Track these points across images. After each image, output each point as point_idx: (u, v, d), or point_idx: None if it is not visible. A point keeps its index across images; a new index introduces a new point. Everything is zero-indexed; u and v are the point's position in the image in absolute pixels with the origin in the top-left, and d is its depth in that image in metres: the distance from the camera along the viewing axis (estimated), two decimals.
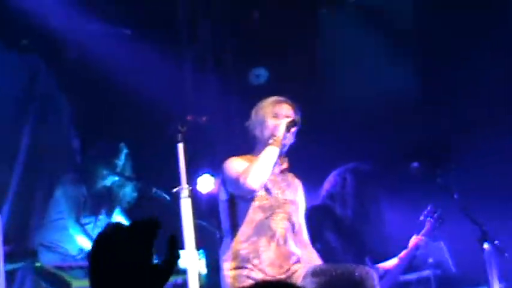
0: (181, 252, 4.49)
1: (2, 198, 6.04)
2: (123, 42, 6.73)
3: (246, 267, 4.22)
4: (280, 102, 4.42)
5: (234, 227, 4.29)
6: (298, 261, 4.33)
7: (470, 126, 6.40)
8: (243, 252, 4.24)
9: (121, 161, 6.04)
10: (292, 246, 4.32)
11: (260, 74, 7.01)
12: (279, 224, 4.29)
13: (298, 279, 4.23)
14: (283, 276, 4.22)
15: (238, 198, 4.30)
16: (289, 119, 4.32)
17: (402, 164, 5.29)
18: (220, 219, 4.42)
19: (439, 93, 6.73)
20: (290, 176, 4.48)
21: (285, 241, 4.29)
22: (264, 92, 4.68)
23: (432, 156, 5.73)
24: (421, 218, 5.50)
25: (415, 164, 5.13)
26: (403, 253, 5.45)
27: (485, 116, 6.37)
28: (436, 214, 5.47)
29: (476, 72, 6.39)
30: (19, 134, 6.47)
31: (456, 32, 6.54)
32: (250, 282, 4.11)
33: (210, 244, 6.05)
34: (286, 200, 4.36)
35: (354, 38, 7.06)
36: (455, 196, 5.01)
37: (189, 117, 4.94)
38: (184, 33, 7.04)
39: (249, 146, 4.45)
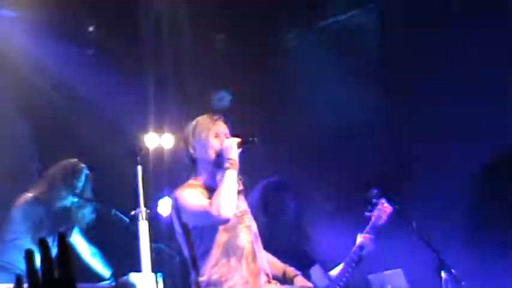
0: (138, 275, 4.46)
1: None
2: (85, 62, 6.71)
3: None
4: (216, 120, 4.38)
5: (201, 256, 4.23)
6: (269, 280, 4.31)
7: (428, 156, 6.45)
8: (215, 276, 4.19)
9: (81, 182, 5.97)
10: (261, 261, 4.30)
11: (223, 97, 7.02)
12: (244, 239, 4.27)
13: None
14: None
15: (199, 227, 4.24)
16: (239, 139, 4.28)
17: (362, 191, 5.28)
18: (183, 249, 4.35)
19: (400, 122, 6.78)
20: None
21: (254, 256, 4.27)
22: (227, 115, 4.63)
23: (391, 184, 5.77)
24: (366, 213, 5.22)
25: (375, 191, 5.14)
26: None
27: (441, 148, 6.41)
28: (379, 206, 5.16)
29: (437, 104, 6.45)
30: None
31: (420, 62, 6.61)
32: None
33: (169, 267, 6.04)
34: (241, 212, 4.33)
35: (318, 63, 7.10)
36: (413, 224, 5.03)
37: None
38: (147, 54, 7.03)
39: (188, 168, 4.38)
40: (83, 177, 5.97)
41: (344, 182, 6.57)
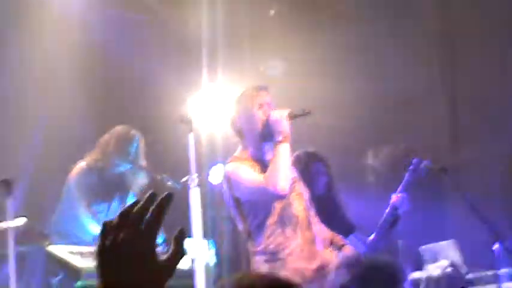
0: (189, 241, 4.51)
1: (18, 178, 6.07)
2: (137, 29, 6.76)
3: (277, 260, 4.19)
4: (260, 90, 4.34)
5: (256, 228, 4.23)
6: (326, 245, 4.30)
7: (481, 128, 6.35)
8: (271, 246, 4.19)
9: (133, 148, 6.04)
10: (316, 227, 4.29)
11: (276, 66, 7.00)
12: (298, 207, 4.25)
13: (330, 271, 4.22)
14: (313, 267, 4.19)
15: (252, 201, 4.22)
16: (289, 111, 4.23)
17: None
18: (237, 222, 4.35)
19: (455, 94, 6.69)
20: None
21: (308, 223, 4.26)
22: (279, 84, 4.61)
23: (444, 155, 5.71)
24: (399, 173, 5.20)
25: (426, 163, 5.08)
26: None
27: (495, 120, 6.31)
28: (416, 166, 5.11)
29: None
30: (34, 121, 6.51)
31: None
32: (284, 273, 4.08)
33: (220, 234, 6.09)
34: (293, 178, 4.30)
35: (374, 33, 7.03)
36: (466, 196, 4.97)
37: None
38: (201, 24, 7.04)
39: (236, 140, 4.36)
40: (135, 144, 6.03)
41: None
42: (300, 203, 4.28)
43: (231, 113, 4.38)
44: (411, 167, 5.03)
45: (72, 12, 6.43)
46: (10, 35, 6.51)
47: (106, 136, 6.11)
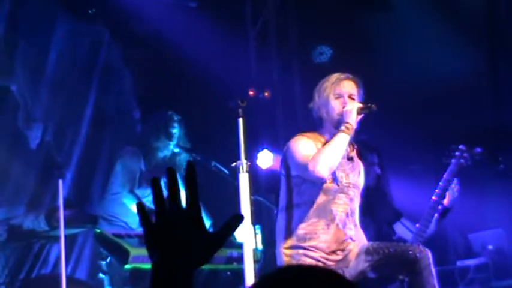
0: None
1: (65, 165, 6.15)
2: (188, 15, 6.77)
3: (302, 247, 4.17)
4: (341, 80, 4.24)
5: (294, 206, 4.20)
6: (351, 239, 4.27)
7: None
8: (300, 232, 4.17)
9: (175, 128, 6.07)
10: (349, 230, 4.26)
11: (324, 52, 6.96)
12: (339, 208, 4.20)
13: (352, 257, 4.19)
14: (339, 256, 4.18)
15: (300, 178, 4.18)
16: (360, 105, 4.16)
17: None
18: (279, 195, 4.36)
19: (501, 83, 6.59)
20: (355, 158, 4.36)
21: (344, 225, 4.21)
22: (327, 70, 4.56)
23: (495, 143, 5.63)
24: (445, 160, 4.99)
25: (478, 149, 4.99)
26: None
27: None
28: (461, 153, 4.94)
29: None
30: (83, 104, 6.58)
31: None
32: (306, 260, 4.09)
33: (267, 220, 6.10)
34: (349, 183, 4.24)
35: (422, 20, 6.95)
36: None
37: (251, 92, 4.90)
38: (248, 9, 7.03)
39: (314, 125, 4.30)
40: (175, 124, 6.06)
41: (440, 141, 6.44)
42: (345, 205, 4.23)
43: (314, 96, 4.29)
44: (457, 153, 4.94)
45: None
46: None
47: (151, 121, 6.16)
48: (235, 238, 5.31)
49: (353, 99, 4.20)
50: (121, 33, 6.79)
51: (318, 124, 4.29)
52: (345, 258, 4.18)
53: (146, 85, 6.84)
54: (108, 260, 5.52)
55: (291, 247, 4.18)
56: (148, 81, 6.83)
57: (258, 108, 6.14)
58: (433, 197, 4.88)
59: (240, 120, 4.47)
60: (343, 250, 4.19)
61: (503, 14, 6.64)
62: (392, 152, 5.83)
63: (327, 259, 4.16)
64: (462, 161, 4.90)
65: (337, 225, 4.18)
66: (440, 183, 4.91)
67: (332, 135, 4.16)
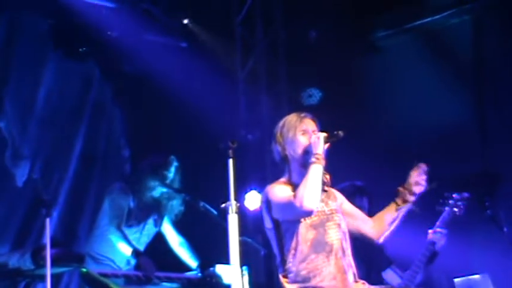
0: (226, 267, 4.50)
1: (53, 203, 6.12)
2: (179, 56, 6.82)
3: (309, 287, 4.19)
4: (303, 118, 4.36)
5: (289, 250, 4.22)
6: (356, 279, 4.29)
7: None
8: (303, 272, 4.18)
9: (171, 173, 6.08)
10: (349, 259, 4.28)
11: (313, 94, 7.01)
12: (333, 237, 4.24)
13: None
14: None
15: (287, 222, 4.23)
16: (325, 134, 4.25)
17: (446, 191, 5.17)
18: (271, 246, 4.36)
19: (490, 125, 6.64)
20: (325, 186, 4.40)
21: (343, 253, 4.24)
22: (316, 112, 4.60)
23: (482, 188, 5.66)
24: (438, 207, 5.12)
25: (466, 195, 5.04)
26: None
27: None
28: (454, 201, 5.06)
29: None
30: (72, 141, 6.58)
31: None
32: None
33: (255, 261, 6.08)
34: (331, 210, 4.30)
35: (410, 64, 7.02)
36: (504, 229, 4.93)
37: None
38: (239, 51, 7.09)
39: (279, 168, 4.37)
40: (172, 169, 6.07)
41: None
42: (337, 232, 4.28)
43: (275, 138, 4.39)
44: (451, 202, 5.00)
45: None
46: None
47: (144, 161, 6.16)
48: (222, 279, 5.29)
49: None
50: (111, 72, 6.82)
51: (282, 168, 4.34)
52: None
53: (136, 123, 6.85)
54: None
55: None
56: (138, 120, 6.85)
57: (246, 149, 6.18)
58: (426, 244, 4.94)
59: (230, 161, 4.48)
60: (349, 285, 4.19)
61: (490, 59, 6.71)
62: (379, 196, 5.84)
63: None
64: (455, 209, 4.95)
65: (335, 255, 4.21)
66: (431, 232, 4.96)
67: (300, 175, 4.22)
